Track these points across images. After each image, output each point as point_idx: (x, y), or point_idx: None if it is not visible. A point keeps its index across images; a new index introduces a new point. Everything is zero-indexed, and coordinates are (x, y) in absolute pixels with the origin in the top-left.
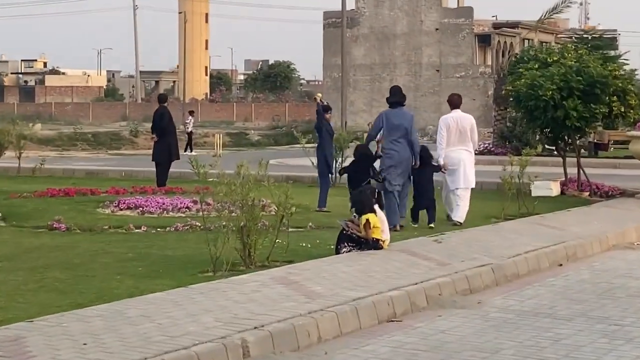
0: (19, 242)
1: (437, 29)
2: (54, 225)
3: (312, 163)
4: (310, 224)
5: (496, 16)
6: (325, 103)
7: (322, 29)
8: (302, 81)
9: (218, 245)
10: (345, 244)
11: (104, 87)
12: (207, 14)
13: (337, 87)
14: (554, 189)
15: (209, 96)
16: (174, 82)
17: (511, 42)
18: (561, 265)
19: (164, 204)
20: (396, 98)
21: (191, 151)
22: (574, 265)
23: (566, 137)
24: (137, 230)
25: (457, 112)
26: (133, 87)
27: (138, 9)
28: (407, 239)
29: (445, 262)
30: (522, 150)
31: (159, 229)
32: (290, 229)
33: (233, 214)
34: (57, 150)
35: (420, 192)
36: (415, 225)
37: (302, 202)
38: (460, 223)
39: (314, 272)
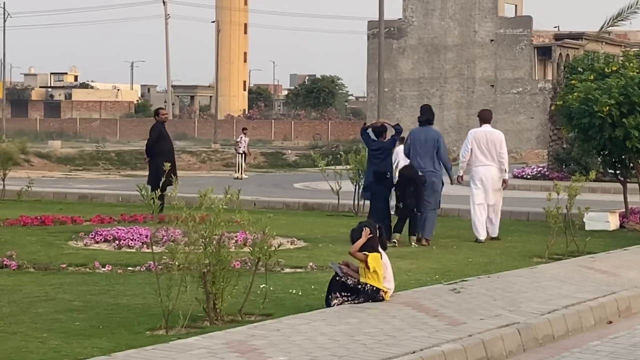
0: None
1: (492, 40)
2: (4, 262)
3: (332, 188)
4: (311, 263)
5: (558, 27)
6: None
7: (365, 40)
8: (350, 97)
9: (172, 295)
10: (337, 294)
11: (135, 102)
12: (245, 25)
13: (383, 103)
14: (612, 222)
15: (246, 112)
16: (211, 97)
17: (574, 55)
18: (610, 322)
19: (146, 236)
20: (426, 116)
21: (240, 174)
22: (626, 323)
23: (627, 161)
24: (102, 270)
25: (487, 127)
26: (165, 102)
27: (171, 18)
28: (420, 288)
29: (458, 320)
30: (574, 176)
31: (129, 268)
32: (285, 270)
33: (191, 255)
34: (78, 170)
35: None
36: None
37: (311, 234)
38: (497, 237)
39: (284, 334)
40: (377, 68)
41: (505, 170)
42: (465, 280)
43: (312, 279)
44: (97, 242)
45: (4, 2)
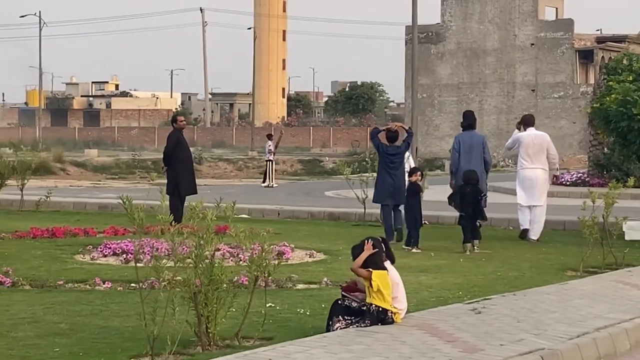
0: None
1: (532, 44)
2: None
3: (357, 197)
4: (326, 278)
5: (600, 30)
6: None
7: (403, 46)
8: (391, 103)
9: (158, 318)
10: (340, 317)
11: (174, 110)
12: (284, 32)
13: (421, 109)
14: None
15: (285, 120)
16: (250, 104)
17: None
18: None
19: (158, 249)
20: (468, 121)
21: (270, 182)
22: None
23: None
24: (102, 287)
25: (532, 130)
26: (204, 110)
27: (211, 26)
28: (437, 307)
29: (475, 346)
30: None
31: (132, 284)
32: (298, 286)
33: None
34: (114, 178)
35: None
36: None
37: (332, 246)
38: (537, 240)
39: None
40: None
41: (557, 169)
42: (488, 299)
43: (324, 296)
44: (105, 256)
45: (40, 12)
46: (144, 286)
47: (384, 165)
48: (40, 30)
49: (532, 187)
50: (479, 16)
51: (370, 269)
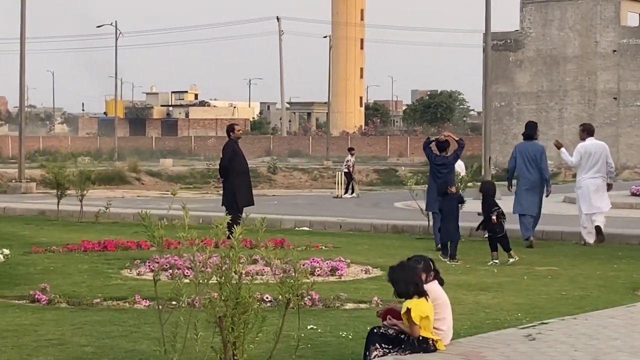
0: None
1: (614, 51)
2: (36, 296)
3: (421, 209)
4: (376, 297)
5: None
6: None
7: (482, 53)
8: (471, 112)
9: (178, 343)
10: (377, 345)
11: (251, 119)
12: (362, 40)
13: (499, 117)
14: None
15: (362, 129)
16: (327, 113)
17: None
18: None
19: (179, 267)
20: (528, 131)
21: (352, 193)
22: None
23: None
24: (142, 304)
25: (592, 140)
26: (281, 119)
27: (289, 35)
28: (488, 333)
29: None
30: None
31: (173, 302)
32: (346, 305)
33: (205, 298)
34: (188, 188)
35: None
36: (446, 260)
37: (391, 261)
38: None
39: None
40: (493, 82)
41: (612, 178)
42: (545, 323)
43: (372, 317)
44: (152, 271)
45: (116, 22)
46: (166, 308)
47: (433, 175)
48: (117, 40)
49: (594, 196)
50: (559, 23)
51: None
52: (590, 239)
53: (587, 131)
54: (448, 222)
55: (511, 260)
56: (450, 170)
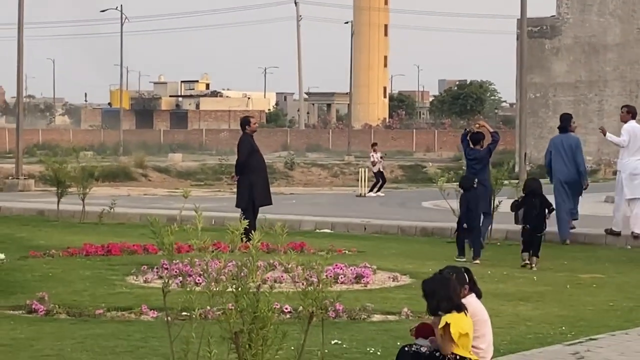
0: None
1: None
2: (33, 306)
3: (452, 210)
4: (406, 308)
5: None
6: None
7: (515, 40)
8: (503, 104)
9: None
10: None
11: (266, 111)
12: (386, 26)
13: (534, 110)
14: None
15: (386, 121)
16: (349, 104)
17: None
18: None
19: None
20: (562, 124)
21: (377, 191)
22: None
23: None
24: (149, 316)
25: (634, 123)
26: (298, 111)
27: (307, 20)
28: (531, 350)
29: None
30: None
31: (184, 313)
32: (374, 317)
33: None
34: (199, 185)
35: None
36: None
37: (421, 268)
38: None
39: None
40: (527, 71)
41: None
42: (594, 339)
43: (402, 330)
44: (160, 278)
45: (121, 6)
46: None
47: (468, 169)
48: (122, 25)
49: (636, 179)
50: (598, 7)
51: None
52: (622, 226)
53: (631, 113)
54: (474, 218)
55: (534, 266)
56: (484, 166)
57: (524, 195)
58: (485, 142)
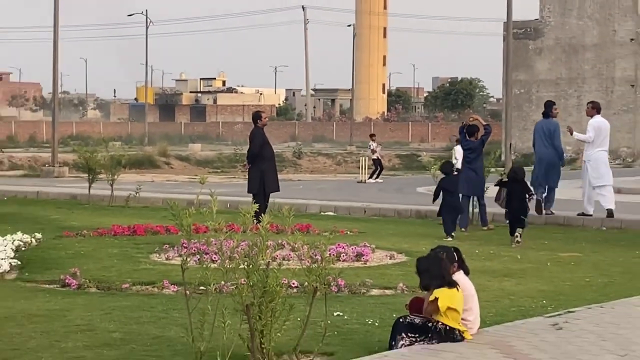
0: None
1: (632, 40)
2: (66, 281)
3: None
4: (402, 283)
5: None
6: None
7: (502, 41)
8: (490, 99)
9: (206, 330)
10: (403, 335)
11: (277, 105)
12: (385, 29)
13: (519, 104)
14: None
15: (385, 115)
16: (351, 100)
17: None
18: None
19: (206, 253)
20: (545, 110)
21: (375, 178)
22: None
23: None
24: (170, 290)
25: (599, 117)
26: (305, 105)
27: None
28: (514, 322)
29: None
30: None
31: (201, 288)
32: (372, 291)
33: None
34: (216, 173)
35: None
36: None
37: (416, 247)
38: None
39: None
40: (512, 69)
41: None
42: (572, 311)
43: (398, 304)
44: (180, 256)
45: (146, 10)
46: (194, 294)
47: (465, 159)
48: (147, 28)
49: (604, 169)
50: (577, 12)
51: (433, 293)
52: (591, 209)
53: (596, 108)
54: (452, 197)
55: (516, 240)
56: (477, 155)
57: (507, 180)
58: (479, 134)
